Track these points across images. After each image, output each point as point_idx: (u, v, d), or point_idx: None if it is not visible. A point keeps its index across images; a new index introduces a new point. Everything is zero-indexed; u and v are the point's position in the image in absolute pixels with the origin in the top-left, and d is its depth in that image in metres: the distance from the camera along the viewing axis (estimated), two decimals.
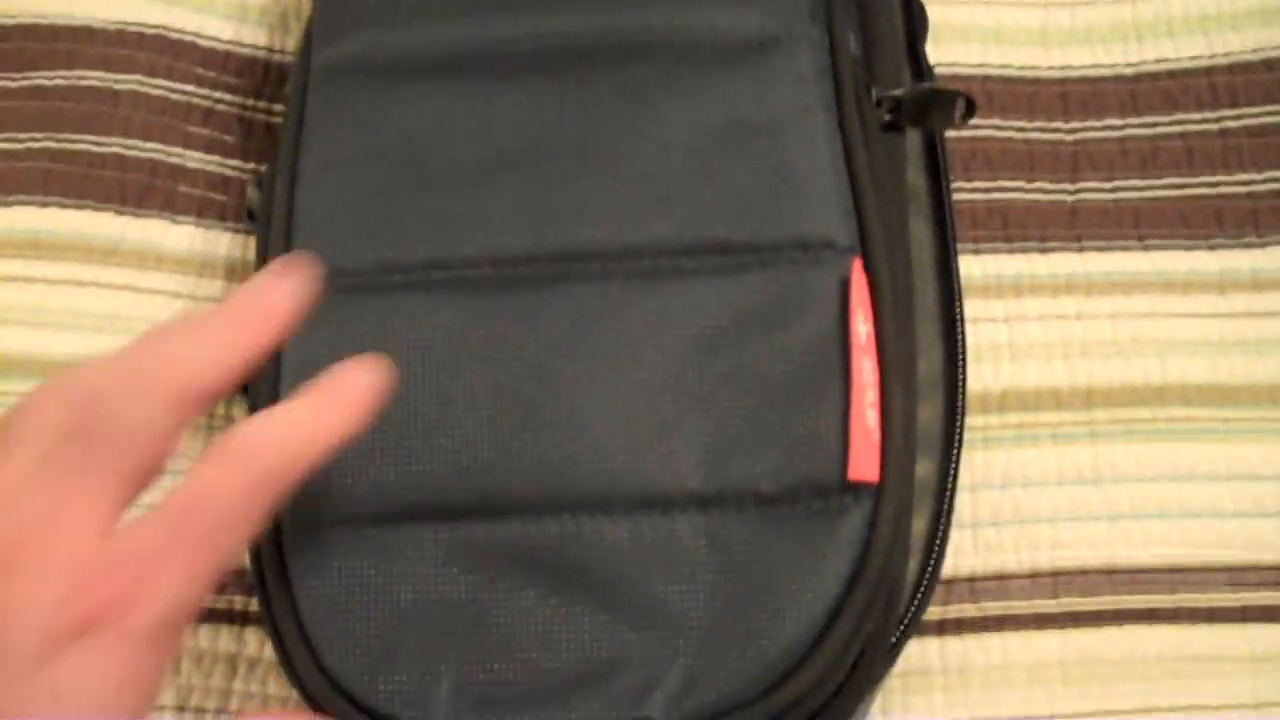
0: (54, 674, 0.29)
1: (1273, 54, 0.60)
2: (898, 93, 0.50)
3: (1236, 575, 0.51)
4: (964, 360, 0.50)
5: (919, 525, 0.47)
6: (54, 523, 0.30)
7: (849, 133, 0.47)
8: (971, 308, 0.55)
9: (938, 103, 0.50)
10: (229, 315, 0.35)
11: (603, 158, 0.46)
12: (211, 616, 0.51)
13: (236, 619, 0.51)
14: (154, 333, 0.34)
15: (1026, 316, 0.55)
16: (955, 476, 0.48)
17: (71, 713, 0.29)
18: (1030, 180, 0.58)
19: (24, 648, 0.29)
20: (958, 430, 0.49)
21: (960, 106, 0.50)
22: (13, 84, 0.60)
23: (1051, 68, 0.61)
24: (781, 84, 0.47)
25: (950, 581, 0.51)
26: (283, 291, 0.36)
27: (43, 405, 0.32)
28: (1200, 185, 0.58)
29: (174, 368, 0.33)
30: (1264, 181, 0.58)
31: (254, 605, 0.51)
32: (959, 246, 0.54)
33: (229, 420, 0.54)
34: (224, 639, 0.50)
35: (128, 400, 0.32)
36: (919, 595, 0.46)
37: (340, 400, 0.35)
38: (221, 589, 0.51)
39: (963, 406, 0.50)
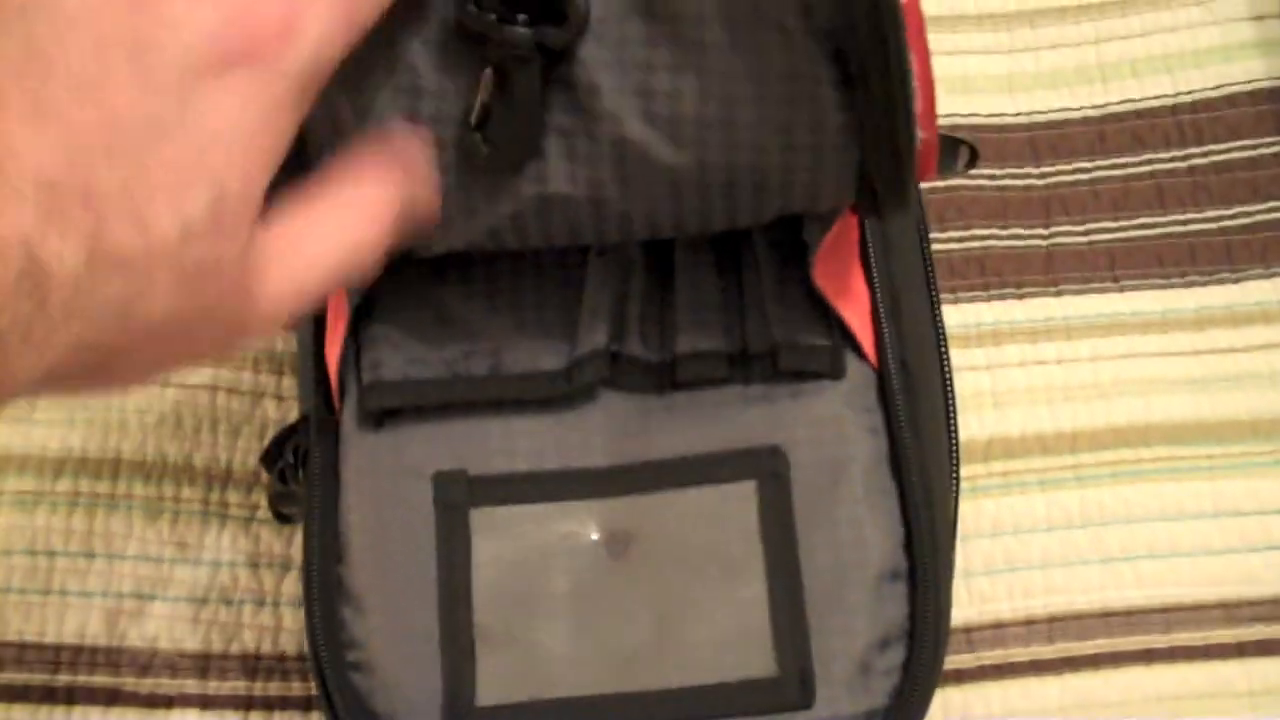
0: (198, 100, 0.28)
1: (1235, 90, 0.61)
2: None
3: (1231, 611, 0.51)
4: (954, 409, 0.51)
5: None
6: None
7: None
8: (953, 357, 0.55)
9: (940, 151, 0.49)
10: None
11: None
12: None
13: None
14: None
15: (1007, 363, 0.56)
16: (955, 526, 0.49)
17: (208, 141, 0.28)
18: (1004, 227, 0.59)
19: (174, 67, 0.28)
20: (954, 481, 0.49)
21: (964, 155, 0.48)
22: None
23: (1019, 114, 0.62)
24: None
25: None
26: None
27: None
28: (1172, 224, 0.59)
29: None
30: (1234, 216, 0.58)
31: None
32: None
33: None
34: None
35: None
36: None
37: None
38: None
39: (957, 457, 0.50)
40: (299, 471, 0.48)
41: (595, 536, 0.44)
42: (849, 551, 0.42)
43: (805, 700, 0.41)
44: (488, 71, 0.36)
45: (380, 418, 0.46)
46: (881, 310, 0.45)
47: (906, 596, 0.42)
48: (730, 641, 0.42)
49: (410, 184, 0.36)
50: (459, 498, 0.45)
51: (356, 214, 0.34)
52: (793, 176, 0.39)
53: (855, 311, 0.45)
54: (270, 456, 0.49)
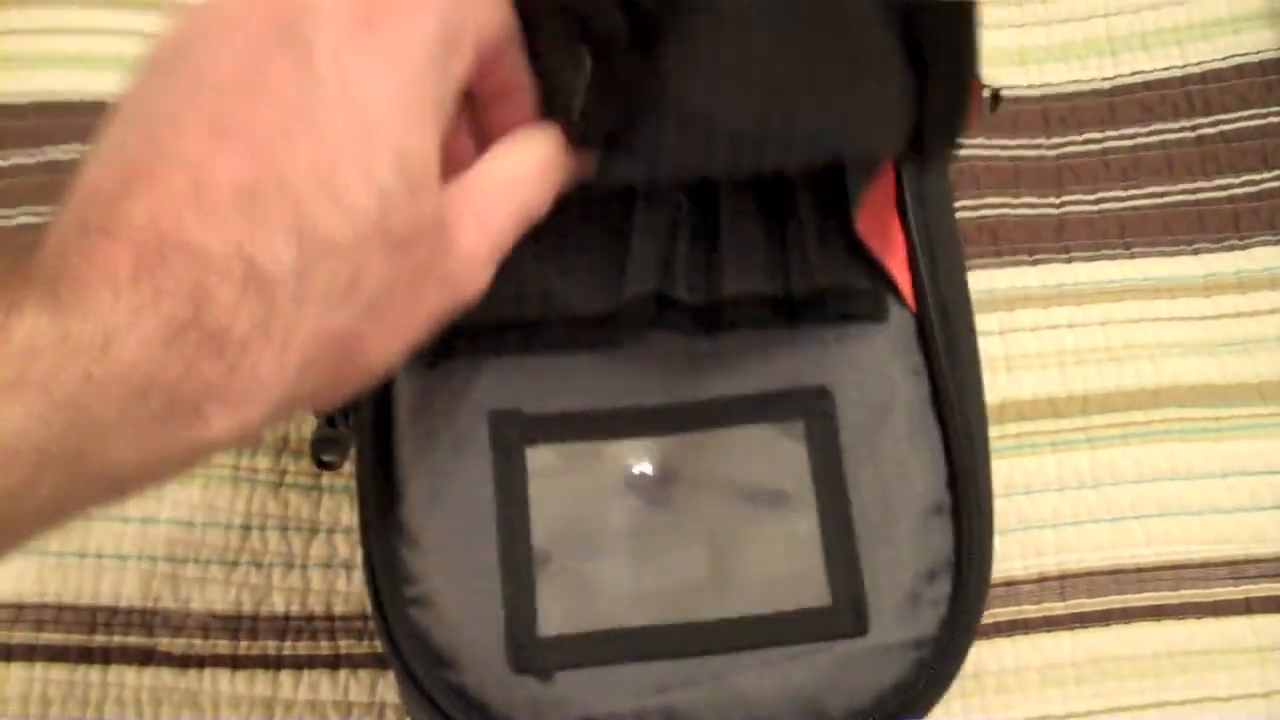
0: (354, 68, 0.29)
1: (1243, 60, 0.62)
2: None
3: (1238, 569, 0.53)
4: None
5: None
6: None
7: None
8: None
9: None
10: None
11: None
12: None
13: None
14: None
15: (1020, 328, 0.57)
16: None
17: (375, 106, 0.29)
18: (1017, 196, 0.60)
19: (323, 42, 0.29)
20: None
21: (990, 102, 0.48)
22: (30, 160, 0.62)
23: (1031, 86, 0.63)
24: None
25: None
26: None
27: None
28: (1180, 192, 0.60)
29: None
30: (1241, 185, 0.59)
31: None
32: None
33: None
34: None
35: None
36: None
37: None
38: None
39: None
40: (346, 414, 0.49)
41: (649, 473, 0.45)
42: (895, 487, 0.43)
43: (859, 628, 0.42)
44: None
45: (432, 358, 0.46)
46: (919, 257, 0.46)
47: (951, 530, 0.44)
48: (784, 573, 0.43)
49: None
50: (515, 436, 0.45)
51: (532, 165, 0.36)
52: (852, 123, 0.40)
53: (894, 258, 0.46)
54: None
